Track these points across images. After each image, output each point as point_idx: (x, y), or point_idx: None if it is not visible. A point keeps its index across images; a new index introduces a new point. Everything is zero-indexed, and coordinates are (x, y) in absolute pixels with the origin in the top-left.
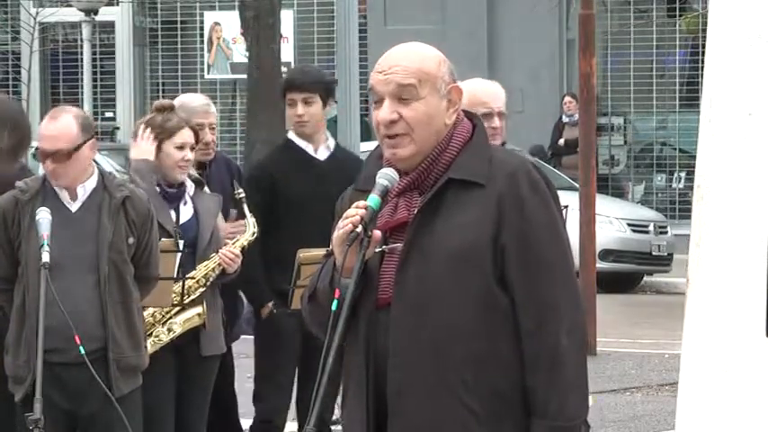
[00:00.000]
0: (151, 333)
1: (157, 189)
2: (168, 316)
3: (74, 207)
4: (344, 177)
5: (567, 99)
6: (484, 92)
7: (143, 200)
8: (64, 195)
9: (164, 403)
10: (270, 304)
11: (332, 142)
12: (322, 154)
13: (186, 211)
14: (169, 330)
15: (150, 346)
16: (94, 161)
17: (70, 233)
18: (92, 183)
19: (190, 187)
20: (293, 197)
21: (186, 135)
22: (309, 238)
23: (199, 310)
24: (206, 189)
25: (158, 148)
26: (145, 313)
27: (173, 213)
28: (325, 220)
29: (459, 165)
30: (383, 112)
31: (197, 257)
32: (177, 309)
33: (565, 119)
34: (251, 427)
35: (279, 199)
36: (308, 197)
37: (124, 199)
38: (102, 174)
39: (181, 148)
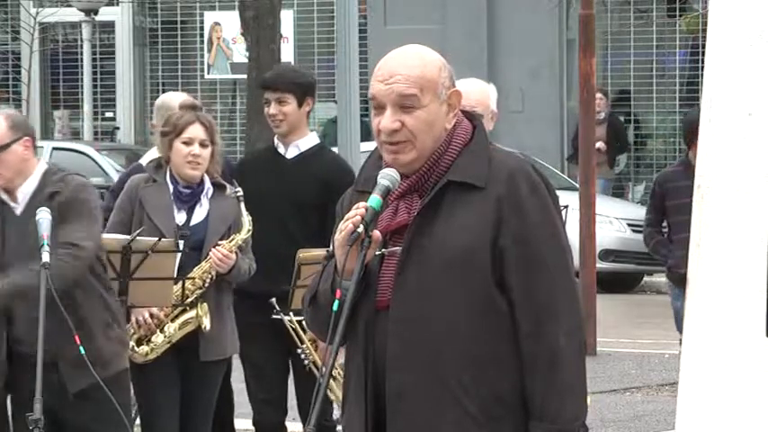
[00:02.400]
0: (149, 339)
1: (171, 188)
2: (164, 322)
3: (18, 209)
4: (307, 177)
5: (598, 96)
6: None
7: (73, 188)
8: (8, 198)
9: (166, 404)
10: None
11: (307, 143)
12: (291, 153)
13: (199, 213)
14: (165, 336)
15: (148, 351)
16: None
17: (16, 235)
18: (31, 185)
19: (209, 189)
20: (254, 193)
21: (194, 130)
22: (268, 233)
23: (193, 313)
24: (227, 191)
25: (170, 146)
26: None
27: (184, 214)
28: (277, 214)
29: (458, 167)
30: (386, 121)
31: (201, 260)
32: (176, 314)
33: None
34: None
35: (246, 193)
36: (267, 194)
37: (53, 194)
38: (46, 172)
39: (187, 143)
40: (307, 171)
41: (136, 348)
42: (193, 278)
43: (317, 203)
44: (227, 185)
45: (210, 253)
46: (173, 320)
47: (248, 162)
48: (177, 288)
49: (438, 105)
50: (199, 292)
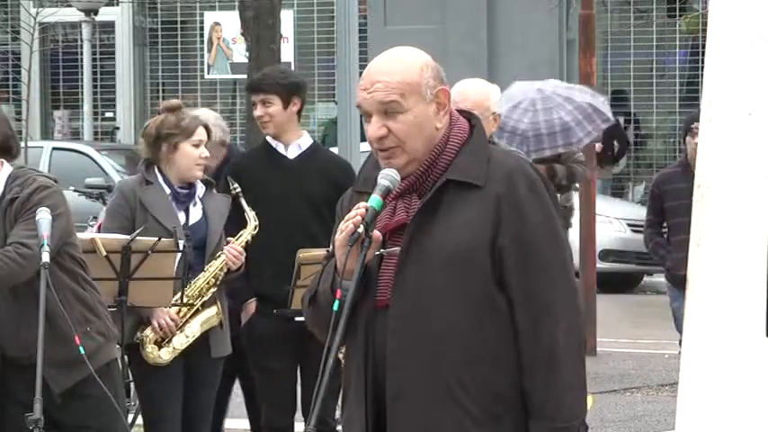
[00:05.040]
0: (170, 340)
1: (168, 190)
2: (184, 321)
3: None
4: (315, 176)
5: None
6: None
7: (30, 190)
8: None
9: (169, 404)
10: (252, 303)
11: (306, 141)
12: (292, 152)
13: (195, 213)
14: (186, 336)
15: (168, 354)
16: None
17: None
18: None
19: (200, 189)
20: (262, 195)
21: (201, 132)
22: (282, 234)
23: (215, 309)
24: (214, 191)
25: (175, 148)
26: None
27: (183, 215)
28: (297, 216)
29: (457, 166)
30: (372, 129)
31: (206, 258)
32: (193, 312)
33: None
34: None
35: (249, 197)
36: (277, 194)
37: (12, 200)
38: (9, 176)
39: (197, 145)
40: (312, 170)
41: (156, 353)
42: (189, 281)
43: (329, 203)
44: (214, 183)
45: (225, 250)
46: (191, 318)
47: (243, 163)
48: (190, 288)
49: (425, 106)
50: (213, 290)
